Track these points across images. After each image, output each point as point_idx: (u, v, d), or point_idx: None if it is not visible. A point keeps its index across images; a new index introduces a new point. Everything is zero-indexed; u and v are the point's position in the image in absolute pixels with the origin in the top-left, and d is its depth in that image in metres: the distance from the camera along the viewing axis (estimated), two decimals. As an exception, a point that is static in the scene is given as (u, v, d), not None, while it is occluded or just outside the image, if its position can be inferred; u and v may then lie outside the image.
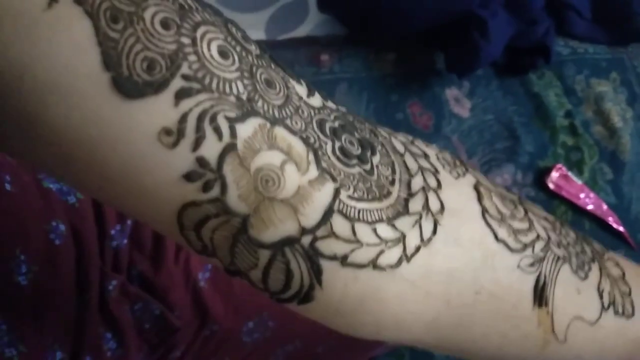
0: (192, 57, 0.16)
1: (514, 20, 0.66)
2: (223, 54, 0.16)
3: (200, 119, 0.15)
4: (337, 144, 0.18)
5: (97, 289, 0.37)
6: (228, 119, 0.16)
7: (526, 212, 0.21)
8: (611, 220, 0.65)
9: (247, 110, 0.16)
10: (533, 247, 0.20)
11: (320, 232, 0.17)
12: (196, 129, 0.15)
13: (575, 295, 0.21)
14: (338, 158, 0.18)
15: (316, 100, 0.18)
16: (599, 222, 0.65)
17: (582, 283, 0.21)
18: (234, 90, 0.16)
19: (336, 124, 0.18)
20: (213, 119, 0.16)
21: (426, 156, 0.20)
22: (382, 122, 0.67)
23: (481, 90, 0.69)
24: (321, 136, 0.17)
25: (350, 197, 0.17)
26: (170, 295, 0.42)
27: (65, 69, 0.15)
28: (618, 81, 0.74)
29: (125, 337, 0.39)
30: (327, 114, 0.18)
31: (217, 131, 0.16)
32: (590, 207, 0.65)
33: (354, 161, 0.18)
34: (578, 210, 0.65)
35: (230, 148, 0.16)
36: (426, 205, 0.19)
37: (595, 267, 0.22)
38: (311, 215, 0.17)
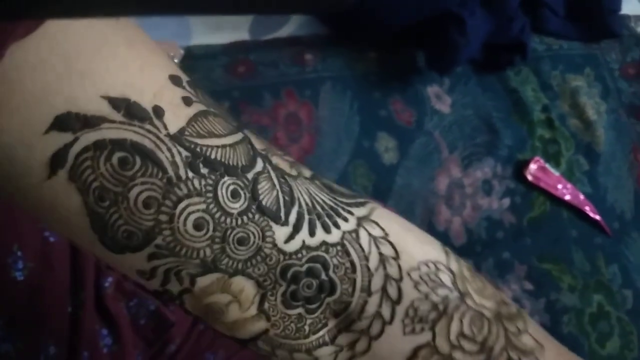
0: (167, 232, 0.18)
1: (491, 18, 0.69)
2: (198, 226, 0.18)
3: (167, 272, 0.19)
4: (292, 288, 0.20)
5: (92, 285, 0.37)
6: (190, 274, 0.19)
7: None
8: (588, 209, 0.67)
9: (208, 269, 0.19)
10: None
11: (249, 344, 0.21)
12: (163, 276, 0.19)
13: None
14: (284, 301, 0.20)
15: (295, 243, 0.20)
16: (576, 212, 0.68)
17: None
18: (201, 255, 0.19)
19: (304, 267, 0.20)
20: (177, 274, 0.19)
21: (397, 302, 0.21)
22: (365, 120, 0.67)
23: (461, 87, 0.71)
24: (279, 280, 0.20)
25: (277, 334, 0.21)
26: (165, 290, 0.43)
27: (64, 225, 0.18)
28: (592, 76, 0.77)
29: (121, 334, 0.40)
30: (298, 258, 0.20)
31: (180, 280, 0.19)
32: (567, 197, 0.67)
33: (299, 303, 0.20)
34: (556, 201, 0.68)
35: (189, 290, 0.19)
36: (351, 345, 0.21)
37: None
38: (243, 336, 0.21)
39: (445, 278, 0.22)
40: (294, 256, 0.20)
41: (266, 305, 0.20)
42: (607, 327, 0.64)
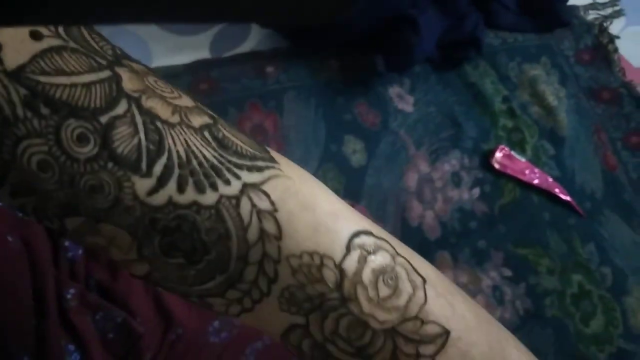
0: (15, 172, 0.18)
1: (443, 17, 0.71)
2: (43, 168, 0.17)
3: (35, 210, 0.18)
4: (166, 239, 0.19)
5: (54, 297, 0.37)
6: (55, 215, 0.18)
7: None
8: (557, 191, 0.68)
9: (69, 212, 0.18)
10: None
11: (148, 281, 0.21)
12: (34, 214, 0.19)
13: None
14: (162, 250, 0.19)
15: (159, 197, 0.18)
16: (547, 195, 0.69)
17: None
18: (55, 197, 0.18)
19: (173, 224, 0.19)
20: (44, 213, 0.18)
21: (273, 281, 0.20)
22: (331, 125, 0.69)
23: (421, 85, 0.73)
24: (151, 231, 0.19)
25: (161, 278, 0.20)
26: (131, 301, 0.42)
27: None
28: (549, 64, 0.79)
29: (89, 349, 0.39)
30: (165, 214, 0.18)
31: (51, 221, 0.19)
32: (536, 181, 0.68)
33: (179, 254, 0.19)
34: (525, 186, 0.68)
35: (65, 230, 0.19)
36: (239, 300, 0.21)
37: None
38: (137, 274, 0.20)
39: (329, 275, 0.20)
40: (159, 211, 0.18)
41: (145, 251, 0.19)
42: (589, 306, 0.64)
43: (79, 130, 0.17)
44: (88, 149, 0.18)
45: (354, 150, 0.68)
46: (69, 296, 0.38)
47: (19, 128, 0.17)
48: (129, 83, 0.18)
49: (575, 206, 0.68)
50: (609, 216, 0.69)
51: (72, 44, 0.18)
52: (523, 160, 0.69)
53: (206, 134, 0.19)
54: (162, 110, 0.19)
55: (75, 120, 0.17)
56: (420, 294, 0.21)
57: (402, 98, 0.72)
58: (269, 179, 0.20)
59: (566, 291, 0.64)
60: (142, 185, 0.18)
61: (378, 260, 0.21)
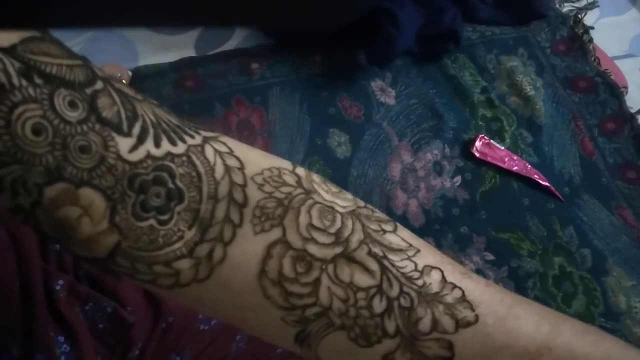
0: (6, 137, 0.19)
1: (422, 10, 0.73)
2: (37, 131, 0.19)
3: (14, 183, 0.19)
4: (141, 198, 0.21)
5: (41, 288, 0.37)
6: (36, 184, 0.20)
7: (318, 280, 0.22)
8: (537, 177, 0.70)
9: (54, 177, 0.20)
10: (304, 310, 0.22)
11: (108, 262, 0.21)
12: (11, 188, 0.19)
13: (346, 354, 0.23)
14: (134, 213, 0.21)
15: (139, 153, 0.21)
16: (526, 182, 0.71)
17: (360, 349, 0.23)
18: (44, 162, 0.19)
19: (150, 176, 0.21)
20: (24, 184, 0.20)
21: (243, 205, 0.22)
22: (316, 118, 0.70)
23: (402, 78, 0.75)
24: (127, 191, 0.20)
25: (130, 247, 0.21)
26: (121, 291, 0.43)
27: None
28: (526, 56, 0.81)
29: (78, 339, 0.40)
30: (144, 167, 0.21)
31: (28, 191, 0.20)
32: (515, 168, 0.70)
33: (150, 214, 0.21)
34: (505, 173, 0.70)
35: (39, 203, 0.20)
36: (209, 255, 0.22)
37: (391, 342, 0.23)
38: (100, 253, 0.21)
39: (289, 179, 0.23)
40: (139, 165, 0.20)
41: (117, 218, 0.20)
42: (571, 287, 0.66)
43: (69, 98, 0.20)
44: (78, 113, 0.20)
45: (339, 142, 0.69)
46: (57, 287, 0.39)
47: (15, 95, 0.18)
48: (98, 72, 0.21)
49: (554, 191, 0.70)
50: (588, 200, 0.71)
51: (49, 37, 0.20)
52: (502, 148, 0.71)
53: (165, 108, 0.23)
54: (128, 91, 0.22)
55: (65, 90, 0.19)
56: (359, 198, 0.25)
57: (384, 91, 0.74)
58: (220, 135, 0.24)
59: (547, 273, 0.66)
60: (124, 143, 0.20)
61: (318, 175, 0.25)
